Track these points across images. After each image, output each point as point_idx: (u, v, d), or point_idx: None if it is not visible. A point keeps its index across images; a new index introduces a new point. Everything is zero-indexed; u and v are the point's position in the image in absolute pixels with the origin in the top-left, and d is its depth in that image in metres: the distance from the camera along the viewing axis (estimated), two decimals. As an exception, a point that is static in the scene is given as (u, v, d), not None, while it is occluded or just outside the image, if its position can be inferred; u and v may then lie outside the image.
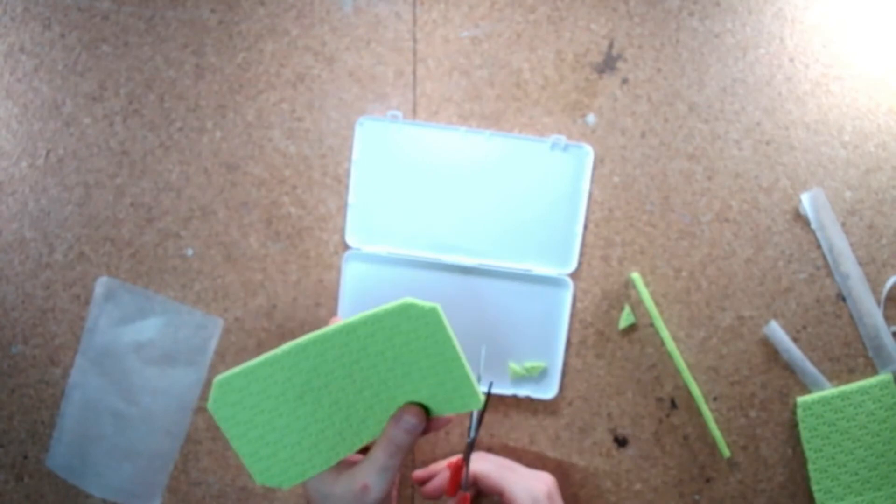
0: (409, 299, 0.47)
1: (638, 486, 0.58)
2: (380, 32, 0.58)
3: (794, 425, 0.57)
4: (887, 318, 0.57)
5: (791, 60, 0.57)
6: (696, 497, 0.58)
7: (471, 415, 0.53)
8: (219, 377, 0.47)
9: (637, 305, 0.58)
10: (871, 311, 0.57)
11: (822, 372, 0.57)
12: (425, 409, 0.49)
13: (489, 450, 0.58)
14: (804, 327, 0.57)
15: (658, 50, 0.57)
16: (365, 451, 0.50)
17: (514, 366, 0.58)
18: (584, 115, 0.58)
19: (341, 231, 0.58)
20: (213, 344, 0.58)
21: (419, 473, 0.55)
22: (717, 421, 0.58)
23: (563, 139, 0.57)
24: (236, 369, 0.47)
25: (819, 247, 0.57)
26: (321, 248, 0.58)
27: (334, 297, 0.58)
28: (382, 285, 0.58)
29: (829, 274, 0.57)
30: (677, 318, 0.58)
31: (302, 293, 0.58)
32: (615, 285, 0.58)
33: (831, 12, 0.57)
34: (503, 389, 0.58)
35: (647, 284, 0.57)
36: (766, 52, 0.57)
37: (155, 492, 0.59)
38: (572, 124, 0.58)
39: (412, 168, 0.57)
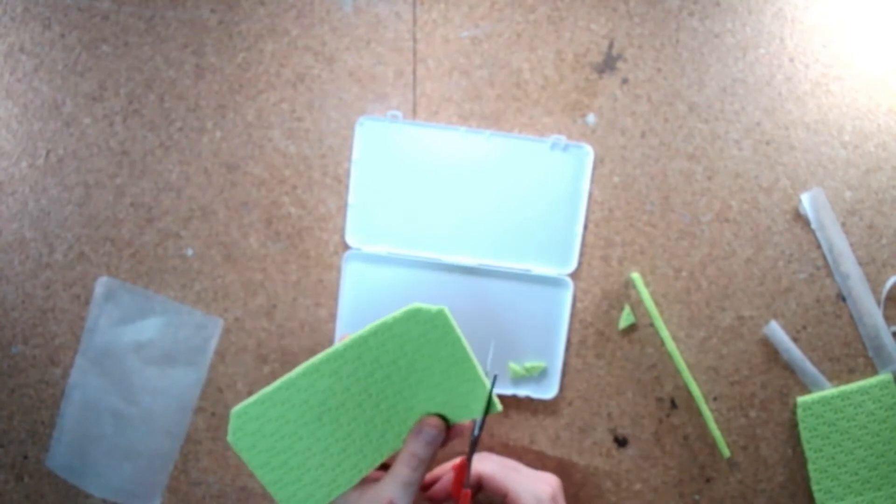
0: (416, 304, 0.47)
1: (638, 486, 0.58)
2: (380, 32, 0.58)
3: (794, 425, 0.57)
4: (887, 318, 0.57)
5: (791, 60, 0.57)
6: (696, 497, 0.58)
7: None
8: (235, 408, 0.47)
9: (637, 305, 0.58)
10: (871, 311, 0.57)
11: (822, 372, 0.57)
12: (443, 419, 0.49)
13: (490, 450, 0.58)
14: (804, 327, 0.57)
15: (658, 50, 0.57)
16: (385, 467, 0.50)
17: (514, 366, 0.58)
18: (584, 115, 0.58)
19: (341, 231, 0.58)
20: (213, 344, 0.58)
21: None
22: (717, 421, 0.58)
23: (563, 139, 0.57)
24: (252, 398, 0.47)
25: (819, 247, 0.57)
26: (321, 248, 0.58)
27: (334, 297, 0.58)
28: (382, 285, 0.58)
29: (829, 274, 0.57)
30: (677, 318, 0.58)
31: (302, 293, 0.58)
32: (615, 285, 0.58)
33: (831, 12, 0.57)
34: (503, 389, 0.58)
35: (647, 284, 0.57)
36: (766, 52, 0.57)
37: (155, 492, 0.59)
38: (572, 124, 0.58)
39: (412, 168, 0.57)
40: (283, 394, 0.47)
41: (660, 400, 0.58)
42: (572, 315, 0.58)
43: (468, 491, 0.49)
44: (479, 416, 0.48)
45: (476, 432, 0.49)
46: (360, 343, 0.47)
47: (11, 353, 0.59)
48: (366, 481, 0.49)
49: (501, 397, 0.58)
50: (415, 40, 0.58)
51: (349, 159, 0.58)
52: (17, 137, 0.58)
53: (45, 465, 0.59)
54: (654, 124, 0.57)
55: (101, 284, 0.58)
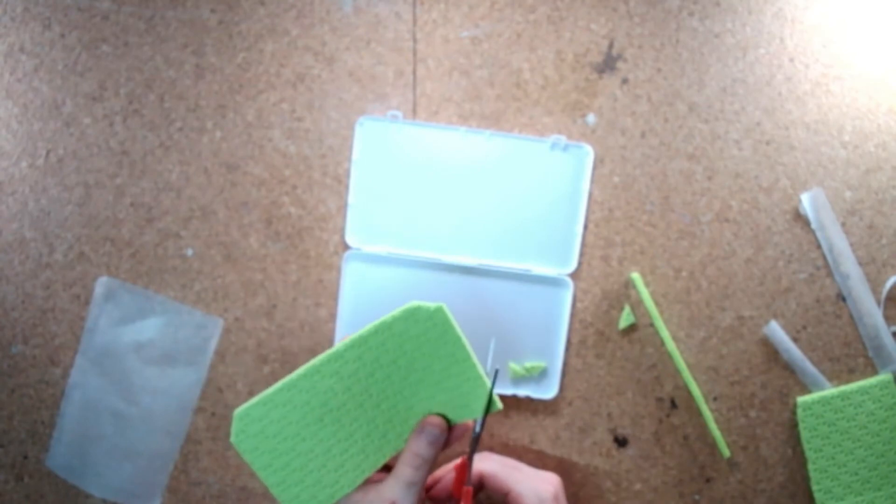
0: (415, 302, 0.47)
1: (638, 486, 0.58)
2: (380, 32, 0.58)
3: (794, 425, 0.57)
4: (887, 318, 0.57)
5: (791, 60, 0.57)
6: (696, 497, 0.58)
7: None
8: (238, 410, 0.47)
9: (637, 305, 0.58)
10: (871, 311, 0.57)
11: (822, 372, 0.57)
12: (445, 419, 0.49)
13: (490, 450, 0.58)
14: (804, 327, 0.57)
15: (658, 50, 0.57)
16: (388, 469, 0.50)
17: (514, 366, 0.58)
18: (584, 115, 0.58)
19: (341, 231, 0.58)
20: (213, 344, 0.58)
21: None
22: (717, 421, 0.58)
23: (563, 139, 0.57)
24: (254, 400, 0.47)
25: (819, 247, 0.57)
26: (321, 248, 0.58)
27: (334, 297, 0.58)
28: (382, 285, 0.58)
29: (829, 274, 0.57)
30: (677, 318, 0.58)
31: (302, 293, 0.58)
32: (615, 285, 0.58)
33: (831, 12, 0.57)
34: (503, 389, 0.58)
35: (647, 284, 0.57)
36: (766, 52, 0.57)
37: (155, 492, 0.59)
38: (572, 124, 0.58)
39: (412, 168, 0.57)
40: (284, 395, 0.47)
41: (660, 400, 0.58)
42: (572, 315, 0.58)
43: (469, 488, 0.49)
44: (479, 416, 0.48)
45: (477, 430, 0.49)
46: (361, 343, 0.47)
47: (11, 353, 0.59)
48: (368, 483, 0.48)
49: (501, 397, 0.58)
50: (415, 40, 0.58)
51: (349, 159, 0.58)
52: (17, 137, 0.58)
53: (45, 465, 0.59)
54: (654, 124, 0.57)
55: (101, 284, 0.58)
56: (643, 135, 0.57)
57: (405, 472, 0.47)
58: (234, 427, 0.47)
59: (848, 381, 0.57)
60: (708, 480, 0.58)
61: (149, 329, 0.58)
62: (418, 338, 0.47)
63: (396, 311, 0.47)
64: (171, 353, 0.58)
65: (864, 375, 0.57)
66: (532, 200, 0.57)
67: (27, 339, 0.59)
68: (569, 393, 0.58)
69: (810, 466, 0.56)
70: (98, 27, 0.58)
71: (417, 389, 0.48)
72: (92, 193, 0.58)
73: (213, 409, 0.58)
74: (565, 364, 0.58)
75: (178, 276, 0.58)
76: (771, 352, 0.58)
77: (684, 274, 0.58)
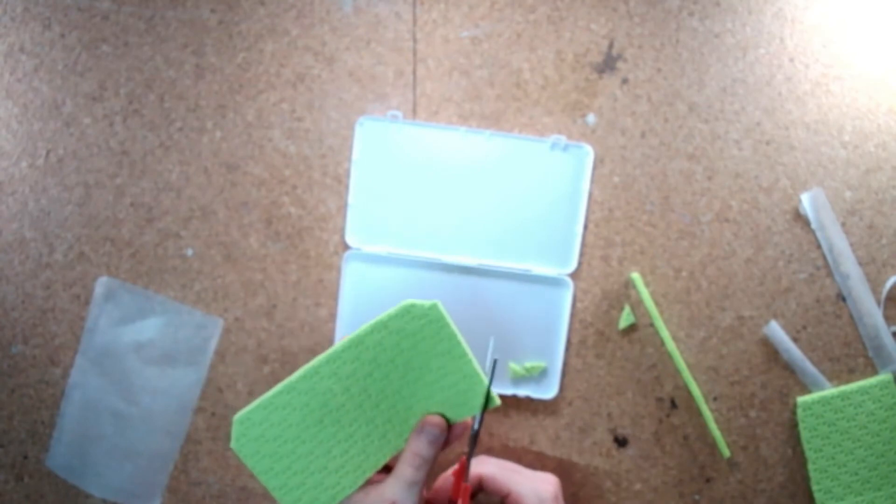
0: (409, 300, 0.47)
1: (638, 486, 0.58)
2: (380, 32, 0.58)
3: (794, 425, 0.57)
4: (887, 318, 0.57)
5: (791, 60, 0.57)
6: (696, 497, 0.58)
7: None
8: (238, 415, 0.47)
9: (637, 305, 0.58)
10: (871, 311, 0.57)
11: (822, 372, 0.57)
12: (445, 419, 0.49)
13: (490, 450, 0.58)
14: (804, 327, 0.57)
15: (658, 50, 0.57)
16: (388, 469, 0.50)
17: (514, 366, 0.58)
18: (584, 115, 0.58)
19: (341, 231, 0.58)
20: (213, 344, 0.58)
21: (426, 495, 0.54)
22: (717, 421, 0.58)
23: (563, 139, 0.57)
24: (253, 404, 0.47)
25: (819, 247, 0.57)
26: (321, 248, 0.58)
27: (334, 297, 0.58)
28: (382, 285, 0.58)
29: (829, 274, 0.57)
30: (677, 318, 0.58)
31: (302, 293, 0.58)
32: (615, 285, 0.58)
33: (831, 12, 0.57)
34: (503, 389, 0.58)
35: (647, 284, 0.57)
36: (766, 52, 0.57)
37: (155, 492, 0.59)
38: (572, 124, 0.58)
39: (412, 168, 0.57)
40: (283, 398, 0.47)
41: (660, 400, 0.58)
42: (572, 315, 0.58)
43: (468, 486, 0.49)
44: (477, 413, 0.48)
45: (475, 427, 0.49)
46: (358, 343, 0.47)
47: (11, 353, 0.59)
48: (369, 484, 0.48)
49: (502, 397, 0.58)
50: (415, 40, 0.58)
51: (349, 159, 0.58)
52: (17, 137, 0.58)
53: (45, 465, 0.59)
54: (654, 124, 0.57)
55: (101, 284, 0.58)
56: (643, 135, 0.57)
57: (406, 471, 0.47)
58: (234, 432, 0.47)
59: (848, 381, 0.57)
60: (708, 480, 0.58)
61: (149, 329, 0.58)
62: (414, 335, 0.47)
63: (392, 310, 0.47)
64: (171, 353, 0.58)
65: (864, 375, 0.57)
66: (532, 200, 0.57)
67: (27, 339, 0.59)
68: (569, 393, 0.58)
69: (810, 466, 0.56)
70: (98, 27, 0.58)
71: (416, 388, 0.48)
72: (92, 193, 0.58)
73: (213, 409, 0.58)
74: (565, 364, 0.58)
75: (178, 276, 0.58)
76: (771, 352, 0.58)
77: (684, 274, 0.58)
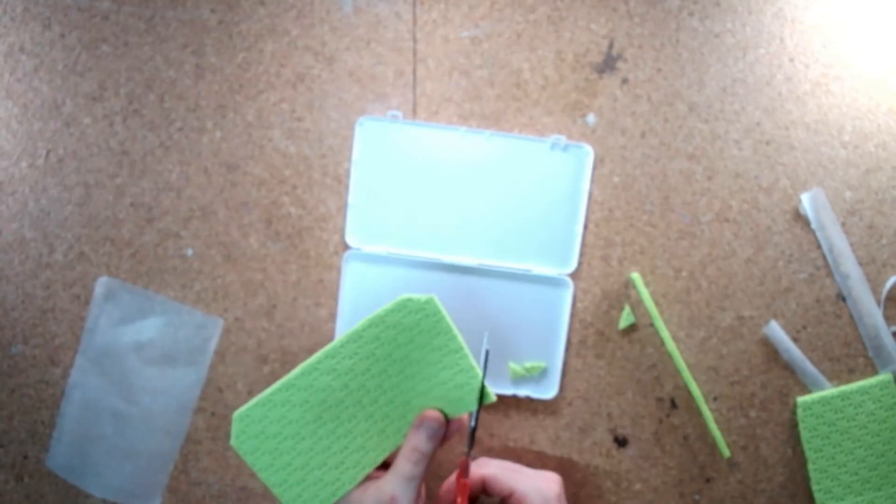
0: (406, 295, 0.48)
1: (638, 486, 0.58)
2: (380, 32, 0.58)
3: (794, 425, 0.57)
4: (887, 318, 0.57)
5: (791, 60, 0.57)
6: (696, 497, 0.58)
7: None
8: (237, 412, 0.48)
9: (637, 305, 0.58)
10: (871, 311, 0.57)
11: (822, 372, 0.57)
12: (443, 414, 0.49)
13: (490, 450, 0.58)
14: (804, 327, 0.57)
15: (658, 50, 0.57)
16: (386, 466, 0.50)
17: (514, 366, 0.58)
18: (584, 115, 0.58)
19: (341, 231, 0.58)
20: (213, 344, 0.58)
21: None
22: (717, 421, 0.58)
23: (563, 139, 0.57)
24: (253, 401, 0.48)
25: (819, 247, 0.57)
26: (321, 248, 0.58)
27: (334, 297, 0.58)
28: (382, 285, 0.58)
29: (829, 274, 0.57)
30: (677, 318, 0.58)
31: (302, 293, 0.58)
32: (615, 285, 0.58)
33: (831, 12, 0.57)
34: (503, 389, 0.58)
35: (647, 284, 0.57)
36: (766, 52, 0.57)
37: (155, 492, 0.59)
38: (572, 124, 0.58)
39: (412, 168, 0.57)
40: (283, 395, 0.48)
41: (660, 400, 0.58)
42: (572, 315, 0.58)
43: (466, 482, 0.49)
44: (474, 408, 0.48)
45: (472, 423, 0.49)
46: (355, 338, 0.48)
47: (11, 353, 0.59)
48: (368, 479, 0.49)
49: (501, 397, 0.58)
50: (415, 40, 0.58)
51: (349, 159, 0.58)
52: (17, 137, 0.58)
53: (45, 465, 0.59)
54: (654, 124, 0.57)
55: (101, 284, 0.58)
56: (643, 135, 0.57)
57: (405, 466, 0.47)
58: (234, 429, 0.47)
59: (848, 381, 0.57)
60: (708, 480, 0.58)
61: (149, 329, 0.58)
62: (411, 329, 0.48)
63: (388, 304, 0.48)
64: (171, 353, 0.58)
65: (864, 375, 0.57)
66: (532, 200, 0.57)
67: (27, 339, 0.59)
68: (569, 393, 0.58)
69: (810, 466, 0.56)
70: (98, 27, 0.58)
71: (413, 384, 0.48)
72: (92, 193, 0.58)
73: (213, 409, 0.58)
74: (565, 364, 0.58)
75: (178, 276, 0.58)
76: (771, 352, 0.58)
77: (684, 274, 0.58)
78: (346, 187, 0.58)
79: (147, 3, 0.58)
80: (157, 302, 0.58)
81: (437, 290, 0.58)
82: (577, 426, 0.58)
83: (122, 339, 0.58)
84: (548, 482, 0.52)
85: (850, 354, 0.57)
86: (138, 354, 0.58)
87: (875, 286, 0.57)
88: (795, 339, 0.57)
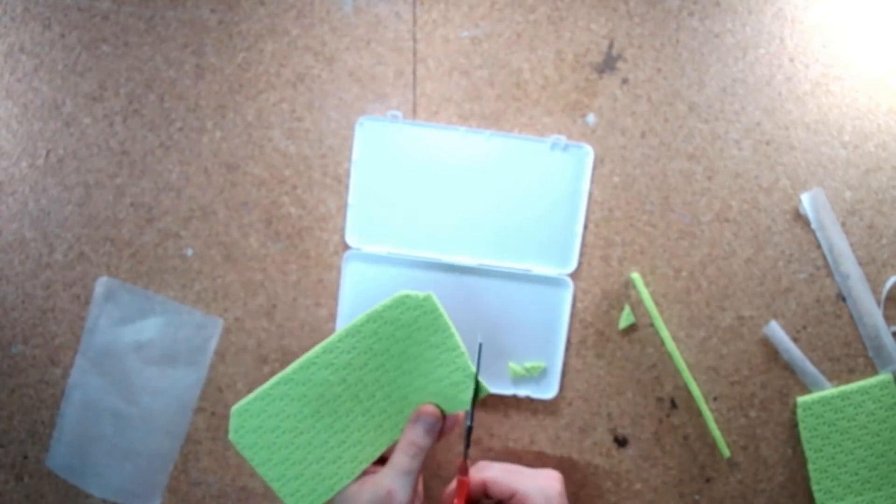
0: (404, 291, 0.48)
1: (638, 486, 0.58)
2: (380, 32, 0.58)
3: (794, 425, 0.57)
4: (887, 318, 0.57)
5: (791, 60, 0.57)
6: (696, 497, 0.58)
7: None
8: (235, 406, 0.48)
9: (637, 305, 0.58)
10: (871, 311, 0.57)
11: (822, 372, 0.57)
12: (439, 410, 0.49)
13: (490, 450, 0.58)
14: (804, 327, 0.57)
15: (658, 50, 0.57)
16: (383, 462, 0.50)
17: (514, 366, 0.58)
18: (584, 115, 0.58)
19: (341, 231, 0.58)
20: (213, 344, 0.58)
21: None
22: (717, 421, 0.58)
23: (563, 139, 0.57)
24: (251, 395, 0.48)
25: (819, 247, 0.57)
26: (321, 248, 0.58)
27: (334, 297, 0.58)
28: (382, 285, 0.58)
29: (829, 274, 0.57)
30: (677, 318, 0.58)
31: (302, 293, 0.58)
32: (615, 285, 0.58)
33: (831, 12, 0.57)
34: (503, 389, 0.58)
35: (647, 284, 0.57)
36: (766, 52, 0.57)
37: (155, 492, 0.59)
38: (572, 124, 0.58)
39: (412, 168, 0.57)
40: (281, 389, 0.48)
41: (660, 400, 0.58)
42: (572, 315, 0.58)
43: (465, 479, 0.50)
44: (469, 406, 0.49)
45: (468, 423, 0.49)
46: (353, 333, 0.48)
47: (11, 353, 0.59)
48: (366, 474, 0.49)
49: (501, 397, 0.58)
50: (415, 40, 0.58)
51: (349, 159, 0.58)
52: (17, 137, 0.58)
53: (45, 465, 0.59)
54: (654, 124, 0.57)
55: (101, 284, 0.58)
56: (643, 135, 0.57)
57: (402, 460, 0.47)
58: (232, 423, 0.48)
59: (848, 381, 0.57)
60: (708, 480, 0.58)
61: (149, 329, 0.58)
62: (409, 325, 0.48)
63: (387, 300, 0.49)
64: (171, 353, 0.58)
65: (864, 375, 0.57)
66: (532, 200, 0.57)
67: (27, 339, 0.59)
68: (569, 393, 0.58)
69: (810, 466, 0.56)
70: (98, 27, 0.58)
71: (411, 379, 0.49)
72: (92, 193, 0.58)
73: (213, 409, 0.58)
74: (565, 364, 0.58)
75: (178, 276, 0.58)
76: (771, 352, 0.58)
77: (684, 274, 0.58)
78: (346, 187, 0.58)
79: (147, 3, 0.58)
80: (157, 302, 0.58)
81: (437, 289, 0.57)
82: (577, 426, 0.58)
83: (122, 339, 0.58)
84: (549, 480, 0.52)
85: (850, 354, 0.57)
86: (138, 354, 0.58)
87: (875, 286, 0.57)
88: (795, 339, 0.57)
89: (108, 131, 0.58)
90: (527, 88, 0.58)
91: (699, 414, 0.58)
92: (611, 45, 0.57)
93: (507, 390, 0.58)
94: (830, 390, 0.57)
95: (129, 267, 0.58)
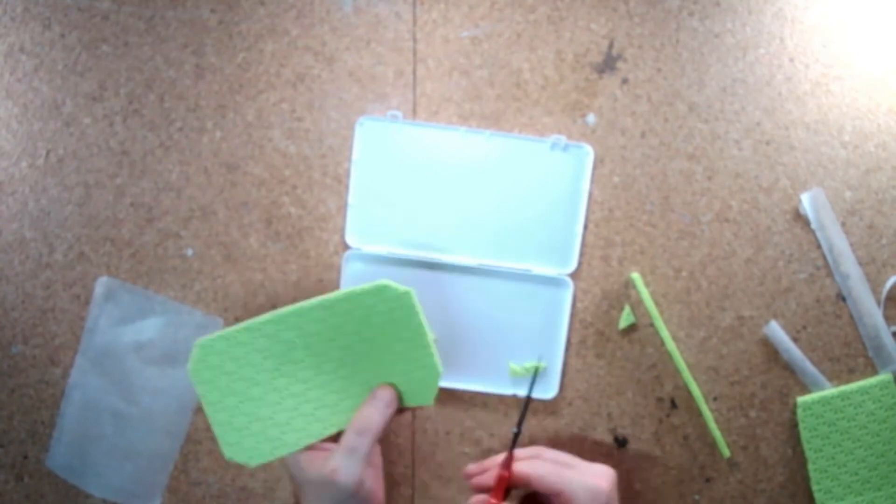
0: (385, 281, 0.49)
1: (638, 486, 0.58)
2: (380, 32, 0.58)
3: (794, 425, 0.57)
4: (887, 318, 0.57)
5: (791, 60, 0.57)
6: (696, 497, 0.58)
7: (520, 404, 0.55)
8: (200, 339, 0.48)
9: (637, 305, 0.58)
10: (871, 311, 0.57)
11: (822, 372, 0.57)
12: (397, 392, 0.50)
13: (490, 451, 0.58)
14: (804, 327, 0.57)
15: (658, 50, 0.57)
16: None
17: (514, 366, 0.58)
18: (584, 115, 0.57)
19: (341, 231, 0.58)
20: (213, 344, 0.58)
21: (472, 468, 0.52)
22: (717, 421, 0.58)
23: (563, 139, 0.57)
24: (218, 333, 0.48)
25: (819, 247, 0.57)
26: (321, 248, 0.58)
27: (334, 297, 0.58)
28: (382, 285, 0.58)
29: (829, 274, 0.57)
30: (677, 318, 0.58)
31: (302, 293, 0.58)
32: (615, 285, 0.58)
33: (831, 12, 0.57)
34: (503, 389, 0.58)
35: (647, 284, 0.57)
36: (766, 52, 0.57)
37: (155, 492, 0.59)
38: (572, 124, 0.58)
39: (412, 168, 0.57)
40: (246, 335, 0.48)
41: (660, 400, 0.58)
42: (572, 315, 0.58)
43: (505, 474, 0.48)
44: (424, 405, 0.50)
45: (517, 428, 0.51)
46: (328, 306, 0.48)
47: (11, 353, 0.59)
48: (318, 450, 0.49)
49: (501, 397, 0.58)
50: (415, 40, 0.58)
51: (349, 159, 0.58)
52: (17, 137, 0.58)
53: (45, 465, 0.59)
54: (654, 124, 0.57)
55: (101, 284, 0.58)
56: (643, 135, 0.57)
57: (349, 437, 0.47)
58: (193, 356, 0.48)
59: (848, 381, 0.57)
60: (708, 480, 0.58)
61: (149, 329, 0.58)
62: (384, 315, 0.49)
63: (366, 285, 0.49)
64: (171, 353, 0.58)
65: (864, 375, 0.57)
66: (532, 200, 0.57)
67: (27, 339, 0.59)
68: (569, 393, 0.58)
69: (810, 466, 0.56)
70: (98, 27, 0.58)
71: (376, 366, 0.49)
72: (92, 193, 0.58)
73: (213, 409, 0.58)
74: (565, 364, 0.58)
75: (178, 276, 0.58)
76: (771, 352, 0.58)
77: (684, 274, 0.58)
78: (346, 187, 0.58)
79: (147, 3, 0.58)
80: (157, 302, 0.58)
81: (436, 289, 0.58)
82: (577, 426, 0.58)
83: (122, 339, 0.58)
84: (598, 479, 0.48)
85: (850, 354, 0.57)
86: (138, 354, 0.58)
87: (875, 286, 0.57)
88: (795, 339, 0.57)
89: (108, 131, 0.58)
90: (527, 88, 0.58)
91: (699, 414, 0.58)
92: (611, 45, 0.57)
93: (507, 390, 0.58)
94: (830, 390, 0.57)
95: (129, 267, 0.58)
